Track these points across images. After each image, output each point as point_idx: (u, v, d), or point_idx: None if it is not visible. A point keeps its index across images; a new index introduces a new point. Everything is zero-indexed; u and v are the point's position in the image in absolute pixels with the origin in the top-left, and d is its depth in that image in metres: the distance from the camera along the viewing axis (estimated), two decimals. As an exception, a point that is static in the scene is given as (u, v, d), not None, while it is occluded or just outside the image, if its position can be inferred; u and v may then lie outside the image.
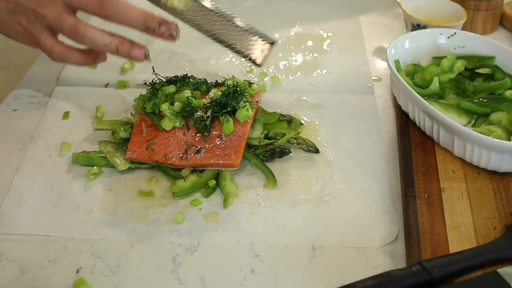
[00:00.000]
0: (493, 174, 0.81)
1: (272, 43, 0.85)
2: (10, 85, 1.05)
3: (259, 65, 0.87)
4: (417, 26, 1.13)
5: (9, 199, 0.80)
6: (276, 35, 1.20)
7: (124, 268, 0.71)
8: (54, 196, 0.81)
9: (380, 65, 1.11)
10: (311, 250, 0.73)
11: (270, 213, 0.78)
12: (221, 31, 0.83)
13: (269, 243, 0.74)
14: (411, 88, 0.86)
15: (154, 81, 0.91)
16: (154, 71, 0.92)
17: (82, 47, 0.85)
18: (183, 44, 1.17)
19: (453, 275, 0.66)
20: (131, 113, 0.92)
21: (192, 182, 0.81)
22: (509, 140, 0.83)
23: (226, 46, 0.85)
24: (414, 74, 0.98)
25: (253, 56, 0.85)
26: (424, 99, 0.84)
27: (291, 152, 0.86)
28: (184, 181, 0.81)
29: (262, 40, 0.85)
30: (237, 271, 0.71)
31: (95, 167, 0.84)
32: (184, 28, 1.26)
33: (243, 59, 0.87)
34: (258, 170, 0.85)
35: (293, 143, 0.87)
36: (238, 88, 0.86)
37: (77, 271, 0.71)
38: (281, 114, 0.93)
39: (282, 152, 0.85)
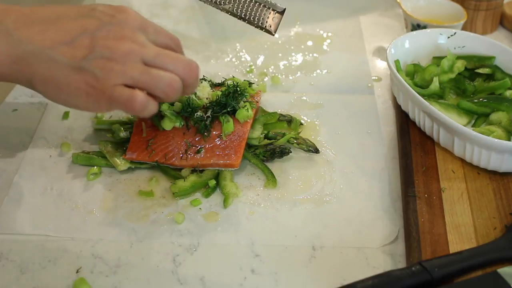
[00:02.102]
0: (493, 174, 0.81)
1: (282, 12, 0.89)
2: (10, 85, 1.05)
3: (273, 34, 0.91)
4: (417, 26, 1.13)
5: (9, 199, 0.80)
6: (276, 35, 1.20)
7: (124, 268, 0.71)
8: (54, 196, 0.81)
9: (380, 65, 1.11)
10: (311, 250, 0.73)
11: (270, 213, 0.78)
12: (233, 5, 0.89)
13: (269, 243, 0.74)
14: (411, 88, 0.86)
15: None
16: (154, 71, 0.92)
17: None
18: (183, 44, 1.17)
19: (453, 275, 0.66)
20: (131, 113, 0.92)
21: (192, 182, 0.81)
22: (509, 140, 0.83)
23: (239, 18, 0.90)
24: (414, 74, 0.98)
25: (267, 26, 0.90)
26: (424, 99, 0.85)
27: (291, 152, 0.86)
28: (184, 181, 0.81)
29: (272, 10, 0.89)
30: (237, 271, 0.71)
31: (95, 167, 0.84)
32: (184, 28, 1.26)
33: (257, 29, 0.91)
34: (258, 170, 0.85)
35: (293, 143, 0.87)
36: (238, 88, 0.86)
37: (77, 271, 0.71)
38: (281, 114, 0.93)
39: (282, 152, 0.85)
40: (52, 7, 0.70)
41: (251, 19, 0.89)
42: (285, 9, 0.89)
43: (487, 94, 0.93)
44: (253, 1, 0.88)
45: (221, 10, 0.90)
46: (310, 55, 1.14)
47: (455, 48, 0.99)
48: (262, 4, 0.89)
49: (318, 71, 1.09)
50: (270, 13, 0.89)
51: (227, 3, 0.89)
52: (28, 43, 0.66)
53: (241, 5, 0.89)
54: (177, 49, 0.75)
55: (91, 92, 0.67)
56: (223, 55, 1.13)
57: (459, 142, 0.81)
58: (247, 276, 0.70)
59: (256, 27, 0.90)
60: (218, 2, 0.90)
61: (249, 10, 0.89)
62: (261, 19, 0.89)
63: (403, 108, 0.93)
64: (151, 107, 0.69)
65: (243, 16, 0.89)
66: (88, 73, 0.66)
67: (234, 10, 0.89)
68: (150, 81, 0.67)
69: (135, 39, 0.68)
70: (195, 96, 0.85)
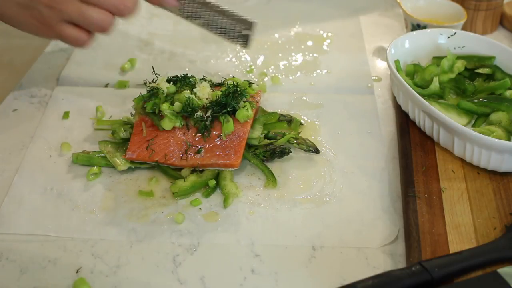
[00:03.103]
0: (493, 174, 0.81)
1: (251, 27, 0.90)
2: (10, 85, 1.05)
3: (246, 47, 0.92)
4: (417, 26, 1.13)
5: (9, 199, 0.80)
6: (276, 35, 1.20)
7: (124, 268, 0.71)
8: (54, 196, 0.81)
9: (380, 65, 1.11)
10: (311, 250, 0.73)
11: (270, 213, 0.78)
12: (205, 20, 0.91)
13: (269, 243, 0.74)
14: (411, 88, 0.86)
15: (154, 80, 0.91)
16: (154, 71, 0.92)
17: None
18: (183, 44, 1.17)
19: (453, 275, 0.66)
20: (131, 113, 0.92)
21: (192, 182, 0.81)
22: (509, 140, 0.83)
23: (213, 33, 0.92)
24: (414, 74, 0.98)
25: (239, 40, 0.92)
26: (424, 99, 0.84)
27: (291, 152, 0.86)
28: (184, 181, 0.81)
29: (242, 24, 0.90)
30: (237, 271, 0.71)
31: (95, 167, 0.84)
32: (184, 28, 1.26)
33: (232, 43, 0.93)
34: (258, 170, 0.85)
35: (293, 143, 0.87)
36: (238, 88, 0.86)
37: (77, 271, 0.71)
38: (281, 114, 0.93)
39: (282, 152, 0.85)
40: None
41: (223, 33, 0.91)
42: (254, 23, 0.90)
43: (487, 94, 0.93)
44: (223, 16, 0.90)
45: (195, 25, 0.92)
46: (310, 55, 1.13)
47: (455, 48, 0.99)
48: (231, 19, 0.90)
49: (318, 71, 1.09)
50: (240, 27, 0.90)
51: (198, 18, 0.91)
52: None
53: (211, 20, 0.90)
54: None
55: (40, 26, 0.83)
56: (223, 55, 1.13)
57: (459, 142, 0.81)
58: (247, 276, 0.70)
59: (229, 41, 0.92)
60: (189, 17, 0.91)
61: (219, 25, 0.91)
62: (232, 33, 0.91)
63: (403, 108, 0.93)
64: (91, 41, 0.86)
65: (214, 31, 0.91)
66: (35, 10, 0.82)
67: (206, 25, 0.91)
68: (84, 22, 0.83)
69: None
70: (195, 96, 0.85)
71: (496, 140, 0.76)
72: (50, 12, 0.82)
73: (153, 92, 0.87)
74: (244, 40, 0.91)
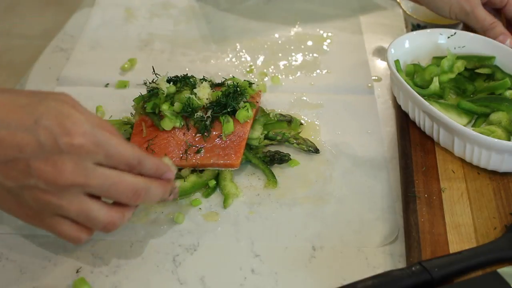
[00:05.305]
0: (493, 174, 0.81)
1: None
2: (10, 85, 1.05)
3: None
4: (417, 26, 1.13)
5: (9, 199, 0.80)
6: (276, 35, 1.20)
7: (124, 268, 0.71)
8: (54, 196, 0.81)
9: (380, 65, 1.11)
10: (311, 250, 0.73)
11: (270, 213, 0.78)
12: None
13: (269, 243, 0.74)
14: (411, 88, 0.86)
15: (154, 80, 0.91)
16: (154, 71, 0.92)
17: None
18: (183, 44, 1.17)
19: (453, 275, 0.66)
20: (131, 113, 0.92)
21: (192, 182, 0.81)
22: (509, 140, 0.83)
23: None
24: (414, 74, 0.98)
25: None
26: (424, 99, 0.84)
27: (290, 159, 0.85)
28: (184, 181, 0.81)
29: None
30: (237, 271, 0.71)
31: (95, 167, 0.84)
32: (184, 28, 1.26)
33: None
34: (258, 170, 0.85)
35: (293, 143, 0.87)
36: (238, 88, 0.86)
37: (77, 271, 0.71)
38: (281, 114, 0.93)
39: (282, 159, 0.85)
40: None
41: None
42: None
43: (487, 94, 0.93)
44: None
45: None
46: (310, 55, 1.14)
47: (455, 48, 0.99)
48: None
49: (318, 71, 1.09)
50: None
51: None
52: None
53: None
54: (139, 167, 0.65)
55: (27, 215, 0.63)
56: (223, 55, 1.13)
57: (459, 142, 0.81)
58: (247, 276, 0.70)
59: None
60: None
61: None
62: None
63: (403, 108, 0.93)
64: (90, 237, 0.65)
65: None
66: (22, 200, 0.61)
67: None
68: (87, 222, 0.63)
69: (76, 169, 0.59)
70: (195, 96, 0.85)
71: (496, 140, 0.76)
72: (40, 206, 0.61)
73: (153, 92, 0.87)
74: None
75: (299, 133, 0.91)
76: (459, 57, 0.97)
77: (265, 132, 0.89)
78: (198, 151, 0.83)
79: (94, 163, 0.60)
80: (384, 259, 0.72)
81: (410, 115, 0.91)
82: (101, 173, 0.61)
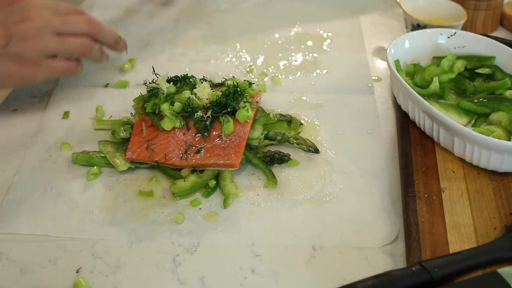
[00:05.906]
0: (493, 174, 0.81)
1: None
2: (10, 85, 1.05)
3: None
4: (417, 26, 1.13)
5: (9, 199, 0.80)
6: (276, 35, 1.20)
7: (124, 268, 0.71)
8: (54, 196, 0.81)
9: (380, 65, 1.11)
10: (311, 250, 0.73)
11: (270, 213, 0.78)
12: None
13: (269, 243, 0.74)
14: (411, 88, 0.86)
15: (154, 80, 0.91)
16: (154, 71, 0.92)
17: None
18: (183, 44, 1.17)
19: (453, 275, 0.66)
20: (131, 113, 0.92)
21: (192, 182, 0.81)
22: (509, 140, 0.83)
23: None
24: (414, 74, 0.98)
25: None
26: (424, 99, 0.84)
27: (290, 159, 0.85)
28: (184, 181, 0.81)
29: None
30: (237, 271, 0.71)
31: (95, 167, 0.84)
32: (184, 28, 1.26)
33: None
34: (258, 170, 0.85)
35: (293, 143, 0.87)
36: (238, 88, 0.86)
37: (77, 271, 0.71)
38: (281, 114, 0.93)
39: (282, 159, 0.85)
40: None
41: None
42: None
43: (487, 94, 0.93)
44: None
45: None
46: (310, 55, 1.14)
47: (455, 48, 0.99)
48: None
49: (318, 71, 1.09)
50: None
51: None
52: None
53: None
54: (77, 13, 0.87)
55: (22, 69, 0.81)
56: (223, 55, 1.13)
57: (459, 142, 0.81)
58: (247, 276, 0.70)
59: None
60: None
61: None
62: None
63: (403, 108, 0.93)
64: (80, 67, 0.89)
65: None
66: (14, 57, 0.80)
67: None
68: (67, 49, 0.84)
69: (40, 16, 0.81)
70: (195, 96, 0.85)
71: (496, 140, 0.76)
72: (31, 52, 0.81)
73: (153, 92, 0.87)
74: None
75: (299, 133, 0.92)
76: (459, 57, 0.97)
77: (265, 132, 0.89)
78: (198, 151, 0.83)
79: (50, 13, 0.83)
80: (384, 259, 0.72)
81: (410, 115, 0.91)
82: (57, 16, 0.83)
